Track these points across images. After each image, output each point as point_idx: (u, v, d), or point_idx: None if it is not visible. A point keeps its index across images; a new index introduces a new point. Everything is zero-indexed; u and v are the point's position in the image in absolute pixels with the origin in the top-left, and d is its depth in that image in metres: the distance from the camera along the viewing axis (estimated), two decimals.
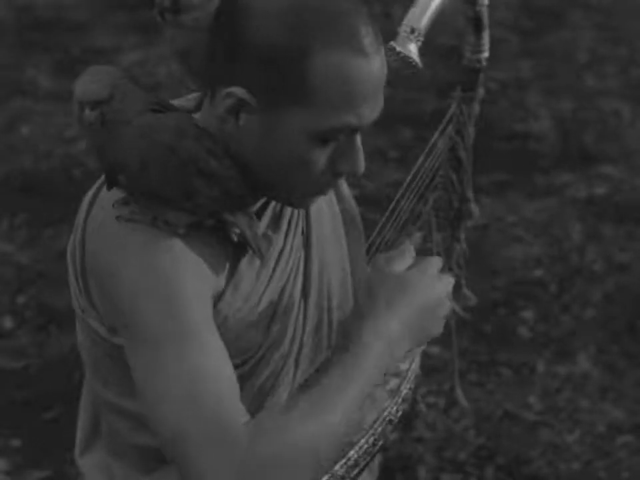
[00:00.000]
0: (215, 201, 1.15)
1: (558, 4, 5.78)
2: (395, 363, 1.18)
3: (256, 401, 1.28)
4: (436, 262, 1.25)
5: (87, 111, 1.09)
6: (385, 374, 1.17)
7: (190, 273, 1.14)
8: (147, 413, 1.13)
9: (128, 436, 1.30)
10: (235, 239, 1.20)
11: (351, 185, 1.44)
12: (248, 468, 1.06)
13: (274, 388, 1.30)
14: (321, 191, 1.22)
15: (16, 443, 2.69)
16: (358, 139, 1.18)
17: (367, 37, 1.13)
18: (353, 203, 1.43)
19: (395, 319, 1.18)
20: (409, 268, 1.24)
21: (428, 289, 1.22)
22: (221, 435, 1.07)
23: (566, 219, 3.75)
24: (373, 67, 1.13)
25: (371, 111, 1.16)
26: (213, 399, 1.09)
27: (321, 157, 1.16)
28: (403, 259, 1.24)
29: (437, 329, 1.24)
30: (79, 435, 1.41)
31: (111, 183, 1.16)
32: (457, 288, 1.68)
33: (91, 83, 1.09)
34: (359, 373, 1.14)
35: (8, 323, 3.14)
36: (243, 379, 1.25)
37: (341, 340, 1.27)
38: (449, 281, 1.25)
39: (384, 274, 1.22)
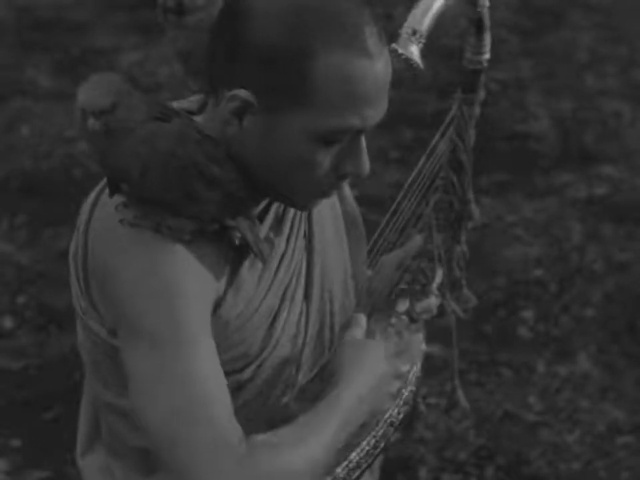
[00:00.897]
0: (217, 205, 1.15)
1: (558, 4, 5.78)
2: (362, 417, 1.23)
3: (257, 405, 1.28)
4: (402, 338, 1.34)
5: (91, 120, 1.08)
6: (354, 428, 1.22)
7: (191, 277, 1.14)
8: (138, 415, 1.13)
9: (128, 437, 1.29)
10: (237, 242, 1.20)
11: (350, 186, 1.44)
12: (243, 474, 1.07)
13: (275, 392, 1.30)
14: (325, 193, 1.21)
15: (16, 442, 2.69)
16: (362, 140, 1.18)
17: (371, 37, 1.12)
18: (354, 204, 1.43)
19: (352, 391, 1.23)
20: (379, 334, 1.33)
21: (383, 365, 1.27)
22: (214, 441, 1.08)
23: (566, 219, 3.75)
24: (377, 67, 1.13)
25: (375, 112, 1.15)
26: (206, 404, 1.09)
27: (324, 159, 1.16)
28: (358, 327, 1.31)
29: (387, 405, 1.32)
30: (80, 435, 1.41)
31: (113, 190, 1.16)
32: (457, 289, 1.68)
33: (94, 91, 1.09)
34: (339, 408, 1.19)
35: (8, 322, 3.14)
36: (244, 383, 1.25)
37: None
38: (405, 366, 1.33)
39: (352, 338, 1.29)
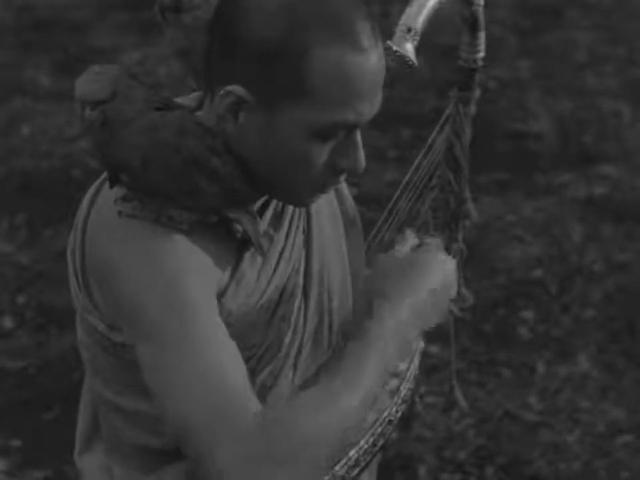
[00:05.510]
0: (217, 198, 1.15)
1: (556, 3, 5.78)
2: (405, 346, 1.17)
3: None
4: (438, 242, 1.26)
5: (88, 111, 1.09)
6: (397, 360, 1.16)
7: (193, 268, 1.14)
8: (158, 408, 1.12)
9: (127, 435, 1.29)
10: (238, 236, 1.20)
11: (349, 184, 1.44)
12: (263, 458, 1.04)
13: (272, 390, 1.30)
14: (322, 189, 1.21)
15: (16, 442, 2.69)
16: (358, 135, 1.18)
17: (364, 32, 1.12)
18: (353, 203, 1.43)
19: (404, 304, 1.18)
20: (414, 250, 1.25)
21: (435, 270, 1.22)
22: (233, 426, 1.05)
23: (565, 218, 3.75)
24: (371, 62, 1.13)
25: (370, 106, 1.16)
26: (223, 391, 1.07)
27: (320, 154, 1.16)
28: (407, 242, 1.25)
29: (445, 311, 1.24)
30: (79, 434, 1.41)
31: (113, 181, 1.16)
32: None
33: (91, 82, 1.09)
34: (375, 350, 1.13)
35: (8, 322, 3.14)
36: None
37: (354, 319, 1.26)
38: (453, 261, 1.25)
39: (392, 257, 1.23)
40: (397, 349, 1.15)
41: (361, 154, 1.18)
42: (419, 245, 1.26)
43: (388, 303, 1.17)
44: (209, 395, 1.08)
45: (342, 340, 1.28)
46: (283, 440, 1.05)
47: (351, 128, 1.16)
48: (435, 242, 1.27)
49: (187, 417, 1.07)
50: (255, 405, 1.08)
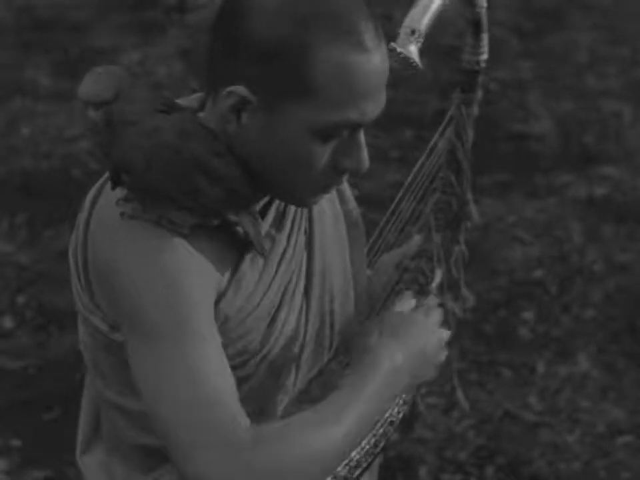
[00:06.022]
0: (218, 199, 1.15)
1: (558, 5, 5.78)
2: (395, 393, 1.22)
3: (255, 404, 1.28)
4: (438, 312, 1.32)
5: (91, 112, 1.09)
6: (388, 403, 1.21)
7: (192, 271, 1.14)
8: (147, 411, 1.13)
9: (128, 434, 1.30)
10: (239, 237, 1.20)
11: (351, 186, 1.44)
12: (244, 470, 1.06)
13: (274, 391, 1.30)
14: (325, 189, 1.21)
15: (16, 442, 2.69)
16: (361, 135, 1.18)
17: (367, 32, 1.12)
18: (355, 205, 1.43)
19: (400, 352, 1.23)
20: (414, 309, 1.32)
21: (430, 334, 1.29)
22: (224, 437, 1.07)
23: (566, 219, 3.75)
24: (374, 62, 1.13)
25: (374, 106, 1.15)
26: (214, 400, 1.09)
27: (323, 154, 1.16)
28: (405, 302, 1.33)
29: (431, 374, 1.30)
30: (80, 433, 1.41)
31: (115, 182, 1.16)
32: (455, 289, 1.68)
33: (94, 83, 1.09)
34: (367, 390, 1.17)
35: (8, 322, 3.14)
36: (242, 381, 1.25)
37: (350, 359, 1.30)
38: (446, 333, 1.32)
39: (391, 311, 1.30)
40: (386, 393, 1.20)
41: (365, 154, 1.18)
42: (417, 306, 1.33)
43: (387, 350, 1.22)
44: (200, 403, 1.09)
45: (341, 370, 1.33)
46: (267, 456, 1.07)
47: (354, 127, 1.16)
48: (433, 302, 1.34)
49: (173, 418, 1.09)
50: (243, 418, 1.10)
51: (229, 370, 1.14)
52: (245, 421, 1.10)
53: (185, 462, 1.07)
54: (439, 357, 1.30)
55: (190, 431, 1.08)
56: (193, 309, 1.12)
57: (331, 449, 1.12)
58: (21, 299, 3.24)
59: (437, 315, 1.32)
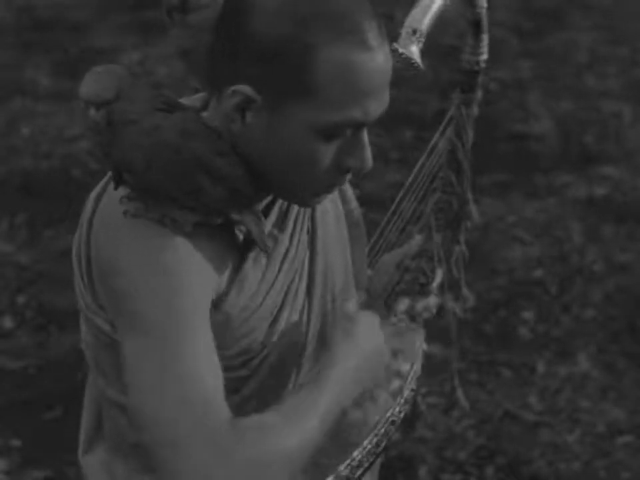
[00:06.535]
0: (221, 199, 1.15)
1: (558, 5, 5.78)
2: (355, 390, 1.21)
3: (258, 403, 1.28)
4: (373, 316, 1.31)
5: (92, 111, 1.09)
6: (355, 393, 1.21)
7: (193, 270, 1.14)
8: (130, 407, 1.12)
9: (129, 434, 1.30)
10: (242, 237, 1.20)
11: (352, 185, 1.44)
12: (222, 464, 1.06)
13: (276, 389, 1.30)
14: (328, 189, 1.21)
15: (16, 442, 2.69)
16: (364, 134, 1.18)
17: (370, 31, 1.12)
18: (357, 205, 1.43)
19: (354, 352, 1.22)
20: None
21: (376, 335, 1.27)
22: (202, 426, 1.07)
23: (566, 219, 3.75)
24: (377, 61, 1.13)
25: (377, 105, 1.15)
26: (201, 399, 1.09)
27: (327, 153, 1.16)
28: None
29: (383, 377, 1.33)
30: (82, 433, 1.41)
31: (117, 182, 1.16)
32: (456, 289, 1.68)
33: (95, 83, 1.09)
34: (329, 385, 1.16)
35: (8, 322, 3.14)
36: (244, 380, 1.25)
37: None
38: (395, 343, 1.35)
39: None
40: (349, 385, 1.20)
41: (368, 153, 1.18)
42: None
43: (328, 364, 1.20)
44: (186, 401, 1.08)
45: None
46: (247, 448, 1.07)
47: (358, 127, 1.16)
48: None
49: (162, 414, 1.08)
50: (226, 412, 1.10)
51: (220, 368, 1.14)
52: (228, 414, 1.10)
53: (165, 458, 1.07)
54: (385, 360, 1.28)
55: (174, 430, 1.07)
56: (192, 308, 1.12)
57: (306, 440, 1.12)
58: (21, 299, 3.24)
59: (395, 325, 1.35)
